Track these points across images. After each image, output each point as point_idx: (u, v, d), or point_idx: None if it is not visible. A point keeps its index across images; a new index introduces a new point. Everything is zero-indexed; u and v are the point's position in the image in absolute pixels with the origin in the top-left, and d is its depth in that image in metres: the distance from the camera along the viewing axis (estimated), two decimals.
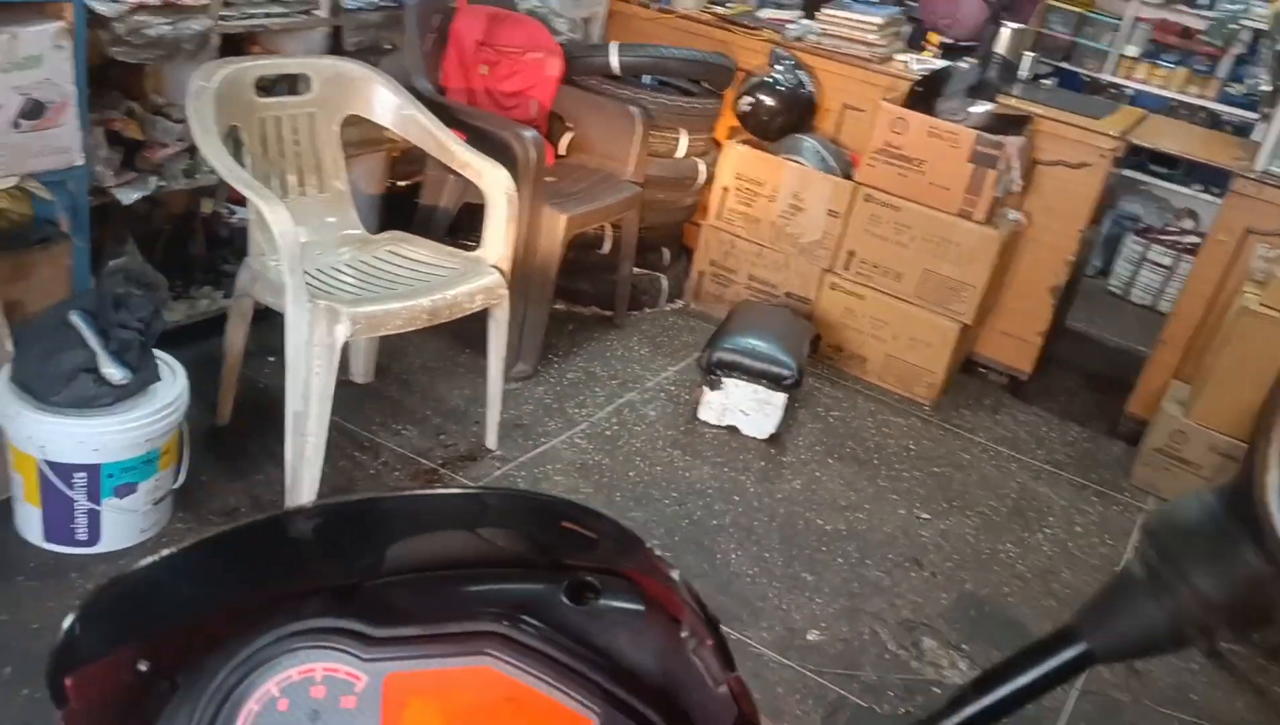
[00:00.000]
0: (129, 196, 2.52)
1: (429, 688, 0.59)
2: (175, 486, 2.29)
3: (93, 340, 2.07)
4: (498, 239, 2.60)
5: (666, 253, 3.94)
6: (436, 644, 0.59)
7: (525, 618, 0.61)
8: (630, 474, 2.87)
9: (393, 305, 2.35)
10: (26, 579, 2.10)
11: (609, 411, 3.14)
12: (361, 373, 2.98)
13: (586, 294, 3.71)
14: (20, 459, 2.09)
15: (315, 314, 2.23)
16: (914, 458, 3.26)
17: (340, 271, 2.52)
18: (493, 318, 2.64)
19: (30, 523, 2.15)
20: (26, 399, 2.05)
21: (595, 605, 0.63)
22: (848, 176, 3.58)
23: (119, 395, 2.08)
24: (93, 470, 2.08)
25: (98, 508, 2.12)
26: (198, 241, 3.02)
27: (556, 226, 3.04)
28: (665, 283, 3.88)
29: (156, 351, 2.25)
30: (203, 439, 2.58)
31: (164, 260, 2.82)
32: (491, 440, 2.82)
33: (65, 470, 2.07)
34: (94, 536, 2.15)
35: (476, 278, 2.54)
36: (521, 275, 3.06)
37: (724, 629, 0.59)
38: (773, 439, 3.15)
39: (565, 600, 0.62)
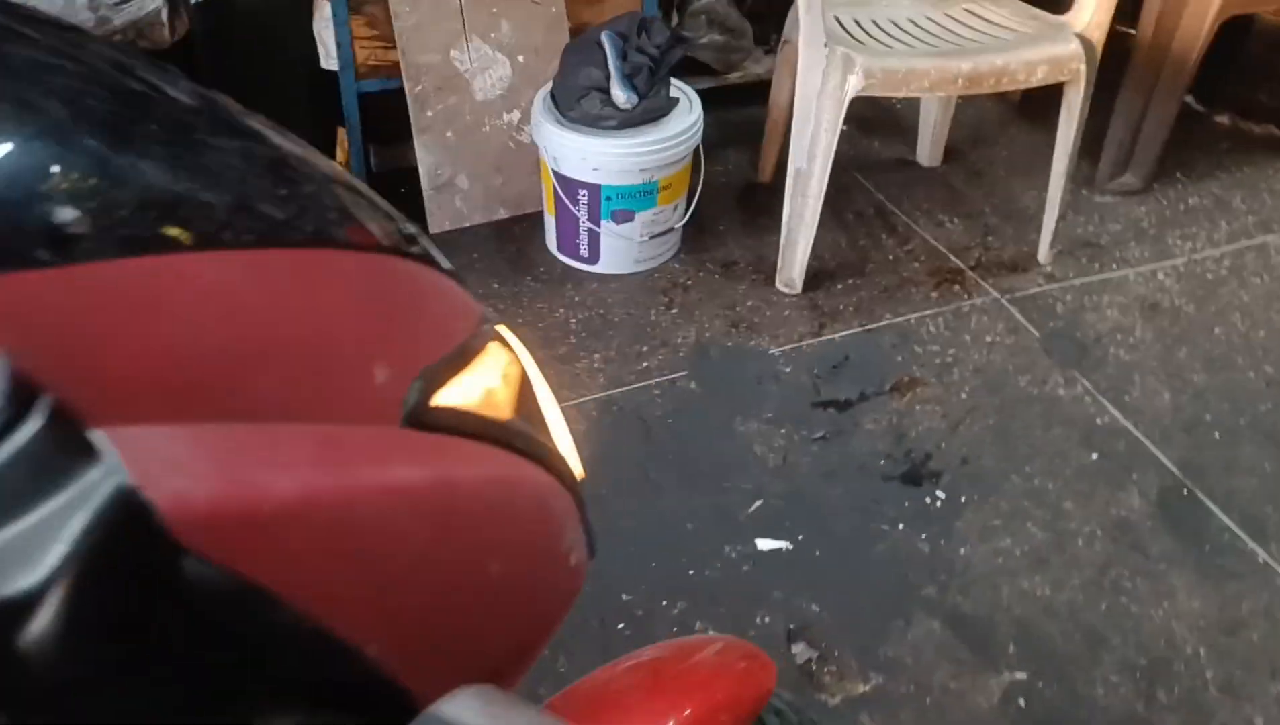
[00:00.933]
0: None
1: None
2: (678, 225, 2.30)
3: (612, 62, 2.10)
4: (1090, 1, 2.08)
5: None
6: None
7: None
8: (1215, 331, 2.22)
9: (920, 63, 2.02)
10: (533, 280, 2.28)
11: (1225, 251, 2.45)
12: (927, 155, 2.68)
13: (1263, 107, 2.88)
14: (544, 170, 2.24)
15: (829, 61, 2.00)
16: None
17: (893, 25, 2.23)
18: (1065, 99, 2.15)
19: (550, 232, 2.32)
20: (550, 111, 2.17)
21: None
22: None
23: (622, 120, 2.10)
24: (593, 190, 2.15)
25: (597, 228, 2.21)
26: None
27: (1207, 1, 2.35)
28: None
29: (679, 85, 2.23)
30: (737, 192, 2.55)
31: (756, 10, 2.77)
32: (1043, 253, 2.36)
33: (571, 185, 2.17)
34: (594, 256, 2.26)
35: (1048, 45, 2.07)
36: (1148, 63, 2.46)
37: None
38: None
39: None
